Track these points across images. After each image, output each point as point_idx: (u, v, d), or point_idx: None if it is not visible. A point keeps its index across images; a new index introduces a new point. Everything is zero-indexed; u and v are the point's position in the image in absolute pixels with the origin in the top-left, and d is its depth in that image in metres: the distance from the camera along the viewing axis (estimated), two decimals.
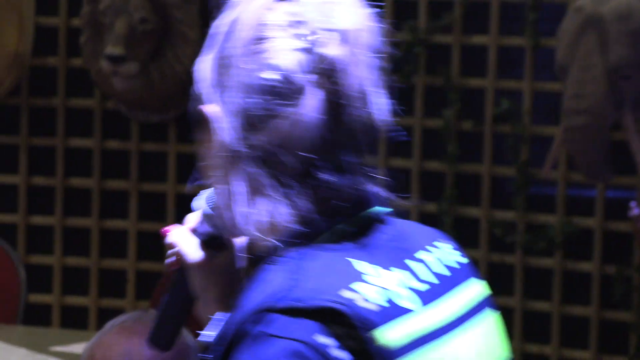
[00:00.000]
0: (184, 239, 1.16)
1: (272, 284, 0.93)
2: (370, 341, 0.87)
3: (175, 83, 5.01)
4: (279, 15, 0.98)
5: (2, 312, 4.23)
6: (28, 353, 4.12)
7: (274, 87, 0.96)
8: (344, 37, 0.98)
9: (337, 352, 0.85)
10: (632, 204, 3.10)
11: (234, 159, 1.00)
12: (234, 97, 0.99)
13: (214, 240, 1.14)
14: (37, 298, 4.75)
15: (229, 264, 1.20)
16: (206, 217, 1.16)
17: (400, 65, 4.58)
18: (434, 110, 4.64)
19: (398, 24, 4.58)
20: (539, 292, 4.55)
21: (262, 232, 0.98)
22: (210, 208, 1.16)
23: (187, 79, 4.73)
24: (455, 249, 1.17)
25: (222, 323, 0.98)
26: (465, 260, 1.13)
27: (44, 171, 4.92)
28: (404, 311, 0.94)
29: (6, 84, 4.88)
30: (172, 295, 1.24)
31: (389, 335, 0.89)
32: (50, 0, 5.08)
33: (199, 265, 1.16)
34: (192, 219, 1.17)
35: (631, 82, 4.23)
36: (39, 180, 5.03)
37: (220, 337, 0.96)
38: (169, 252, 1.20)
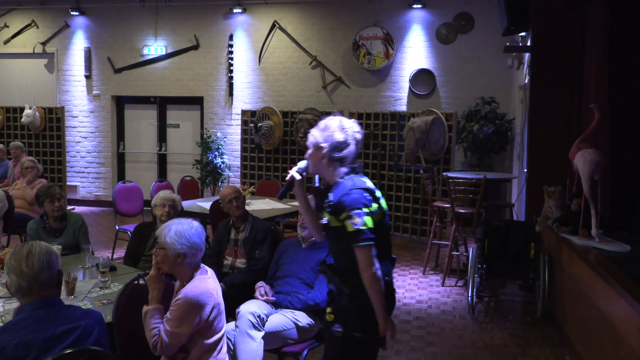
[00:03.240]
0: (294, 171, 2.47)
1: (350, 182, 2.39)
2: (376, 195, 2.40)
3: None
4: (343, 127, 2.41)
5: None
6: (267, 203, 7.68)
7: (344, 141, 2.41)
8: (356, 129, 2.45)
9: (369, 197, 2.37)
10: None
11: (330, 160, 2.41)
12: (335, 142, 2.39)
13: (301, 174, 2.48)
14: None
15: (304, 184, 2.54)
16: (300, 167, 2.48)
17: None
18: None
19: None
20: None
21: (337, 175, 2.42)
22: (299, 166, 2.50)
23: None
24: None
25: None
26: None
27: None
28: (375, 189, 2.41)
29: None
30: (287, 187, 2.55)
31: (377, 193, 2.40)
32: None
33: (299, 180, 2.52)
34: (297, 166, 2.48)
35: (419, 142, 7.30)
36: None
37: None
38: (289, 174, 2.51)
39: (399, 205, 7.98)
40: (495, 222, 5.40)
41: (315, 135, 2.43)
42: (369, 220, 2.30)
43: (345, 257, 2.39)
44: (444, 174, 6.41)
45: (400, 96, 8.90)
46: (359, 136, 2.45)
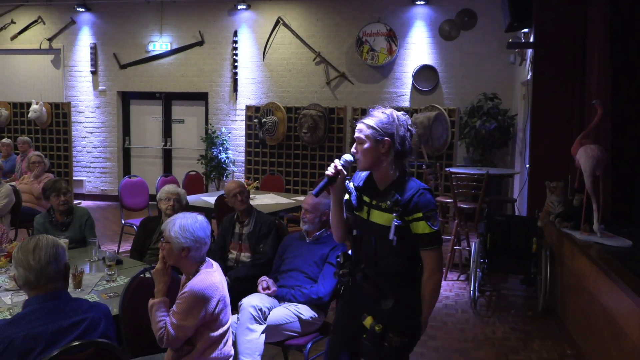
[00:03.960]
0: (339, 163, 2.24)
1: (414, 182, 2.22)
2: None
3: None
4: (402, 120, 2.17)
5: None
6: None
7: (404, 134, 2.17)
8: (408, 121, 2.20)
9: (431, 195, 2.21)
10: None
11: (396, 154, 2.18)
12: (401, 135, 2.16)
13: (345, 167, 2.25)
14: None
15: (344, 179, 2.29)
16: (345, 160, 2.24)
17: None
18: None
19: None
20: None
21: (398, 172, 2.22)
22: (345, 159, 2.26)
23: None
24: None
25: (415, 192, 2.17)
26: None
27: None
28: None
29: None
30: (327, 181, 2.27)
31: None
32: None
33: (342, 173, 2.26)
34: (340, 160, 2.23)
35: (422, 137, 7.93)
36: None
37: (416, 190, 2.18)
38: (334, 167, 2.25)
39: None
40: (498, 217, 5.39)
41: (374, 126, 2.18)
42: (440, 225, 2.21)
43: (397, 259, 2.25)
44: (447, 169, 6.39)
45: (403, 92, 8.86)
46: (413, 130, 2.26)
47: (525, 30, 6.91)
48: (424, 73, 8.71)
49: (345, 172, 2.26)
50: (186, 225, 2.58)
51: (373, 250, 2.27)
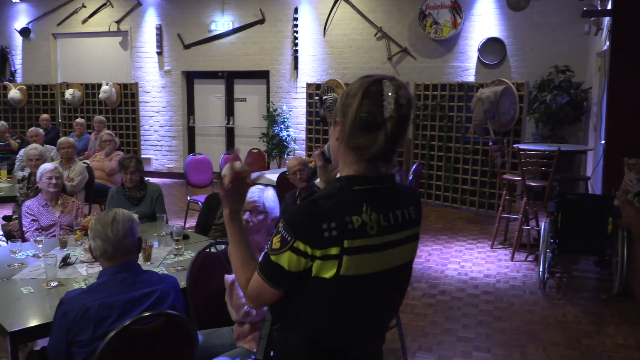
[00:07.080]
0: (319, 152, 1.74)
1: (330, 189, 1.31)
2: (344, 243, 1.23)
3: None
4: (375, 90, 1.29)
5: None
6: None
7: (366, 116, 1.29)
8: (405, 98, 1.30)
9: (325, 228, 1.23)
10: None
11: (350, 146, 1.32)
12: (355, 115, 1.30)
13: (324, 156, 1.76)
14: None
15: (321, 169, 1.76)
16: (326, 150, 1.73)
17: None
18: None
19: None
20: None
21: (347, 169, 1.35)
22: (326, 151, 1.73)
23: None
24: (414, 209, 1.35)
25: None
26: (413, 216, 1.34)
27: None
28: (365, 234, 1.23)
29: None
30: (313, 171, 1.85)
31: (351, 243, 1.22)
32: None
33: (320, 160, 1.76)
34: (320, 150, 1.73)
35: (488, 113, 7.21)
36: None
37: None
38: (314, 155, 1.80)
39: (466, 178, 7.76)
40: (570, 196, 5.15)
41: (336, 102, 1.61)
42: (285, 258, 1.31)
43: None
44: (515, 145, 6.16)
45: (468, 66, 8.60)
46: (407, 112, 1.32)
47: None
48: (490, 46, 8.42)
49: (320, 163, 1.74)
50: (275, 196, 2.69)
51: None
